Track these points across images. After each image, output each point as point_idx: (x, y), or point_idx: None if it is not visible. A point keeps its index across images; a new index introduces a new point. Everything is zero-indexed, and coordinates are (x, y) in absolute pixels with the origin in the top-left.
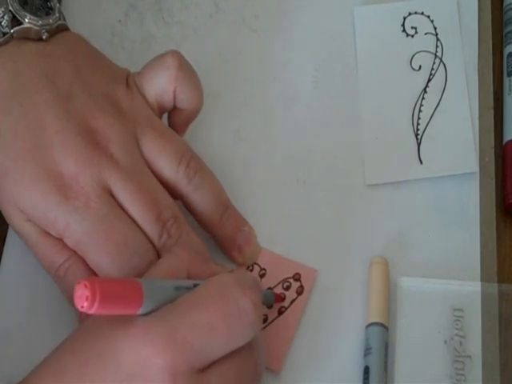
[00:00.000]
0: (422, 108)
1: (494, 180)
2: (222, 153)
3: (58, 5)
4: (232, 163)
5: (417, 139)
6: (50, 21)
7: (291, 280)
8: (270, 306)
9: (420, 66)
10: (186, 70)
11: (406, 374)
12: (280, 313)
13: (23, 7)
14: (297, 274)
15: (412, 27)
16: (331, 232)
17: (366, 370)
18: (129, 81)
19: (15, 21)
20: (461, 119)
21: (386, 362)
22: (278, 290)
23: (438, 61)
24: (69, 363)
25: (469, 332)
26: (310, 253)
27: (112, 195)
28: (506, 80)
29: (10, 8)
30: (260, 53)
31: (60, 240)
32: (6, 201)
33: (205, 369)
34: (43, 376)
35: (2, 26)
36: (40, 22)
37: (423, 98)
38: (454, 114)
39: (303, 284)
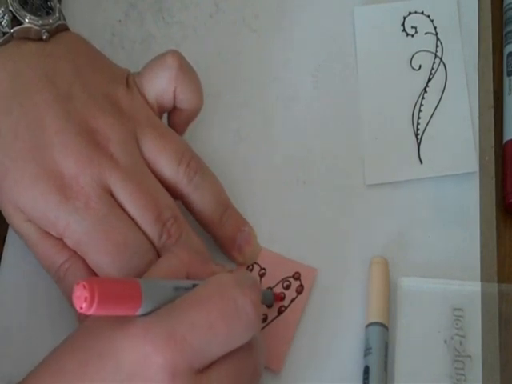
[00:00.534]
0: (421, 108)
1: (493, 179)
2: (221, 153)
3: (58, 5)
4: (232, 163)
5: (417, 139)
6: (50, 21)
7: (291, 279)
8: (269, 306)
9: (420, 66)
10: (186, 70)
11: (406, 373)
12: (280, 312)
13: (23, 7)
14: (297, 273)
15: (412, 27)
16: (331, 232)
17: (366, 370)
18: (129, 81)
19: (15, 21)
20: (461, 119)
21: (385, 362)
22: (278, 289)
23: (437, 60)
24: (68, 363)
25: (469, 332)
26: (310, 253)
27: (112, 195)
28: (506, 79)
29: (10, 8)
30: (260, 53)
31: (60, 240)
32: (6, 201)
33: (204, 369)
34: (42, 376)
35: (2, 26)
36: (40, 22)
37: (423, 98)
38: (454, 113)
39: (303, 283)
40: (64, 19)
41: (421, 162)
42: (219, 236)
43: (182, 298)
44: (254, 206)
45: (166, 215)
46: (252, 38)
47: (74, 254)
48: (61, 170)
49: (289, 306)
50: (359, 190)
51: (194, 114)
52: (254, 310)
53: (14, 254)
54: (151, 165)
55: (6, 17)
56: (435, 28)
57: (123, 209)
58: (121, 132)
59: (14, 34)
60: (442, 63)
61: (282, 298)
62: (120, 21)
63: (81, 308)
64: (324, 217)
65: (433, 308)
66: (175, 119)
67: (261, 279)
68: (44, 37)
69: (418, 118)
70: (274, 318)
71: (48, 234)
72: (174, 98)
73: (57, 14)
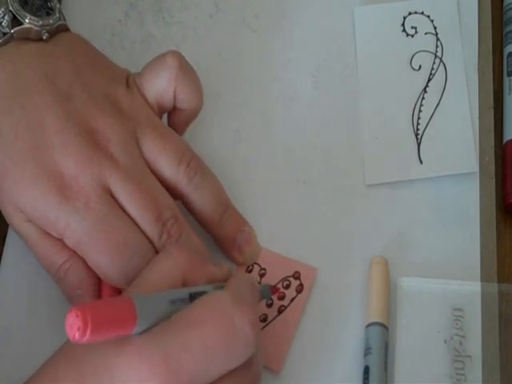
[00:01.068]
0: (421, 108)
1: (493, 180)
2: (221, 153)
3: (58, 5)
4: (232, 163)
5: (417, 139)
6: (51, 21)
7: (291, 278)
8: (269, 305)
9: (420, 66)
10: (186, 70)
11: (406, 373)
12: (280, 311)
13: (23, 7)
14: (296, 272)
15: (412, 27)
16: (331, 232)
17: (366, 370)
18: (129, 81)
19: (15, 21)
20: (461, 119)
21: (385, 362)
22: None
23: (437, 61)
24: (61, 372)
25: (469, 332)
26: (310, 253)
27: (112, 195)
28: (506, 80)
29: (11, 8)
30: (260, 53)
31: (60, 240)
32: (6, 201)
33: None
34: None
35: (3, 27)
36: (40, 23)
37: (423, 98)
38: (454, 113)
39: (303, 282)
40: (64, 19)
41: (421, 162)
42: (219, 236)
43: (179, 315)
44: (254, 206)
45: (166, 215)
46: (252, 38)
47: (74, 254)
48: (61, 170)
49: (289, 305)
50: (359, 190)
51: (194, 114)
52: (252, 330)
53: (13, 254)
54: (151, 165)
55: (6, 17)
56: (435, 28)
57: (123, 209)
58: (121, 132)
59: (14, 35)
60: (442, 63)
61: (279, 291)
62: (120, 21)
63: (74, 337)
64: (324, 217)
65: (433, 308)
66: (175, 119)
67: (261, 279)
68: (44, 37)
69: (418, 118)
70: (274, 318)
71: (48, 234)
72: (174, 98)
73: (57, 15)
